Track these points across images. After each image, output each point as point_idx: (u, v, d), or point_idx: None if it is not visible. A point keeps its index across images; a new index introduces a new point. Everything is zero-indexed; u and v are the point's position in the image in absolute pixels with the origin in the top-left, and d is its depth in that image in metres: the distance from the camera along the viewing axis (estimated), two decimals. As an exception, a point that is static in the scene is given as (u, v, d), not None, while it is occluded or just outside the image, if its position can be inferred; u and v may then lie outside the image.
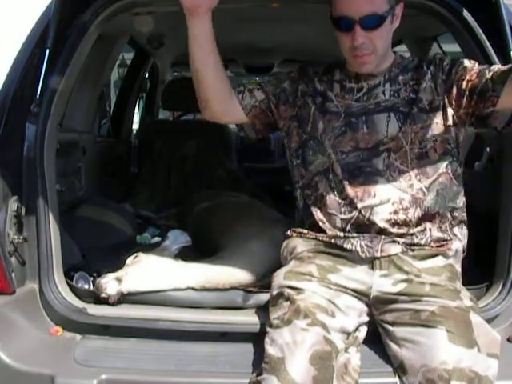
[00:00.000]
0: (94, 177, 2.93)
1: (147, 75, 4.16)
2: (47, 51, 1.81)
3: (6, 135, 1.82)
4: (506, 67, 1.59)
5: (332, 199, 1.70)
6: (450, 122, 1.69)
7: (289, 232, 1.81)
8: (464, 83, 1.64)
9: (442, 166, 1.69)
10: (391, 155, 1.68)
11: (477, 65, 1.68)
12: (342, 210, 1.68)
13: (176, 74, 4.77)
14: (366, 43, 1.64)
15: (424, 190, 1.67)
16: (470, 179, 1.71)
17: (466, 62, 1.69)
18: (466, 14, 1.85)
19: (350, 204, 1.67)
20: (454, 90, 1.67)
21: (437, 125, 1.69)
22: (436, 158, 1.68)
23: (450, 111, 1.69)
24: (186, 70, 4.65)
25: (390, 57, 1.77)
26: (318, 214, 1.73)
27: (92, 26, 1.90)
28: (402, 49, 3.25)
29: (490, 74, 1.60)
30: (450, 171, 1.71)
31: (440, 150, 1.69)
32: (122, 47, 3.20)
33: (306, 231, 1.76)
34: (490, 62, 1.80)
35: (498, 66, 1.64)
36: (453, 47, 2.20)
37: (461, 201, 1.74)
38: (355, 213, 1.67)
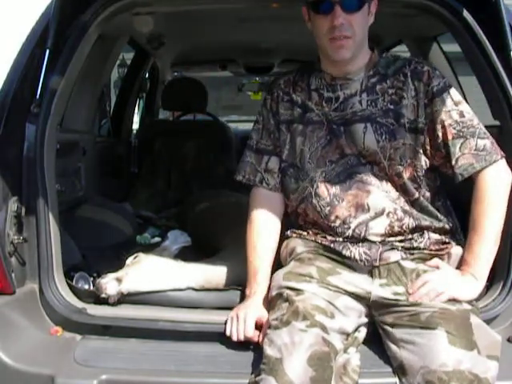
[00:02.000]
0: (94, 177, 2.93)
1: (147, 75, 4.16)
2: (47, 51, 1.81)
3: (5, 135, 1.82)
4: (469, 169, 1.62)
5: (322, 222, 1.69)
6: (421, 148, 1.67)
7: (289, 232, 1.81)
8: (438, 127, 1.64)
9: (421, 187, 1.68)
10: (374, 168, 1.67)
11: (457, 116, 1.65)
12: (334, 230, 1.67)
13: (176, 74, 4.76)
14: (346, 25, 1.62)
15: (409, 204, 1.67)
16: (468, 178, 1.70)
17: (449, 105, 1.65)
18: (465, 14, 1.84)
19: (343, 224, 1.66)
20: (429, 123, 1.66)
21: (410, 146, 1.66)
22: (413, 178, 1.67)
23: (424, 138, 1.67)
24: (186, 70, 4.66)
25: (366, 54, 1.74)
26: (314, 237, 1.73)
27: (92, 26, 1.90)
28: (403, 49, 3.25)
29: (459, 155, 1.62)
30: (427, 193, 1.69)
31: (407, 174, 1.66)
32: (122, 47, 3.20)
33: (305, 232, 1.76)
34: (490, 62, 1.80)
35: (466, 160, 1.63)
36: (453, 47, 2.19)
37: (450, 218, 1.73)
38: (349, 232, 1.66)
